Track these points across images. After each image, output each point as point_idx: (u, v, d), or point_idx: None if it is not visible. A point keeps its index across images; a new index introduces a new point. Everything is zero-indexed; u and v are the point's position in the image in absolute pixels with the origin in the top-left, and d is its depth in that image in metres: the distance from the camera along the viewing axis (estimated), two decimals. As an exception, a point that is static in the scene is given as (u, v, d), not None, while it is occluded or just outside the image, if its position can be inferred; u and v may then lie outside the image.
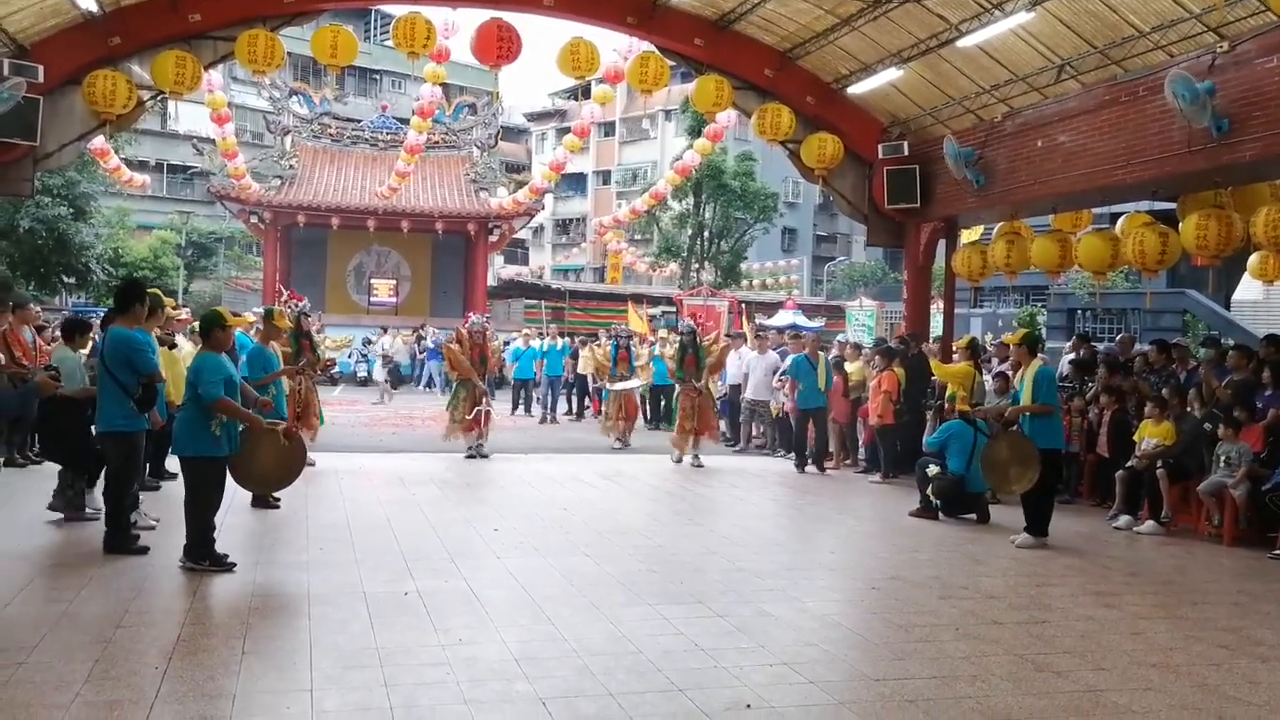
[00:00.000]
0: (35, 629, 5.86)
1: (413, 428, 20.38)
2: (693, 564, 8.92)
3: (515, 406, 24.30)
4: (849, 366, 15.65)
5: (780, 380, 16.82)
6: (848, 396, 15.35)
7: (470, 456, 15.08)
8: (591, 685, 5.66)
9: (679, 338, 16.24)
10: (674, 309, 30.97)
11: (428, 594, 7.41)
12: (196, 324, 9.98)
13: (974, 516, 11.44)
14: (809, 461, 15.25)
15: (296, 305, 13.61)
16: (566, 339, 25.02)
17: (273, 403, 9.18)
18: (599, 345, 20.00)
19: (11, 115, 12.76)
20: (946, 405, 12.98)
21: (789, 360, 15.72)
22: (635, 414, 18.41)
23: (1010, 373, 14.03)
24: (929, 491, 11.61)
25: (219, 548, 8.01)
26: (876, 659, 6.38)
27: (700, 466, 15.16)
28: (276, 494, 10.03)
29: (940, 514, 11.50)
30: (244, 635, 6.33)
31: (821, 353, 15.38)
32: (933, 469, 11.70)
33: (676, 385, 16.14)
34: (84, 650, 5.79)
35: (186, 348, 11.08)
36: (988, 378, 14.04)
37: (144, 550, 8.25)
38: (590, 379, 22.93)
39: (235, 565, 7.91)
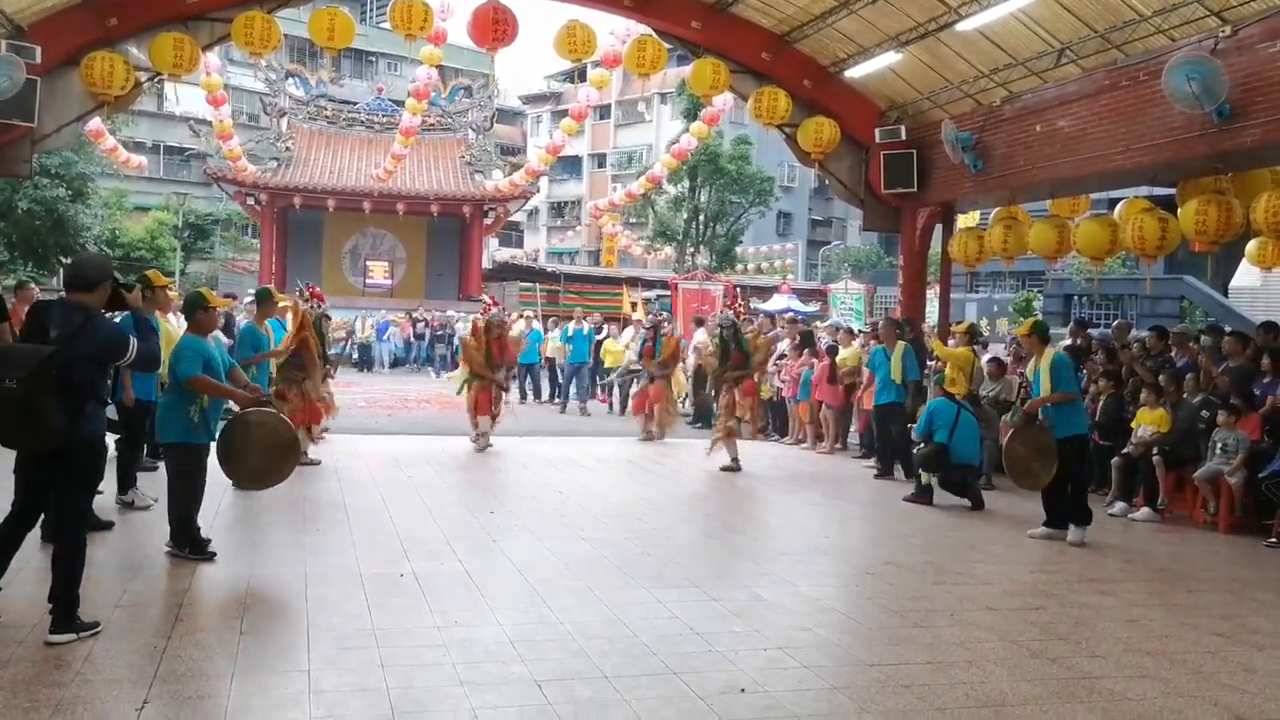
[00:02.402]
0: (34, 609, 5.86)
1: (408, 409, 20.40)
2: (688, 548, 8.95)
3: (524, 395, 22.23)
4: (843, 351, 15.65)
5: (776, 365, 16.85)
6: (832, 381, 15.31)
7: (479, 448, 14.49)
8: (587, 668, 5.67)
9: (719, 330, 14.52)
10: (669, 292, 30.94)
11: (424, 576, 7.42)
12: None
13: (968, 503, 11.43)
14: (889, 468, 13.56)
15: (319, 305, 12.86)
16: (591, 322, 22.42)
17: (261, 389, 9.05)
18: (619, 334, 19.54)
19: (9, 96, 12.70)
20: (935, 388, 12.80)
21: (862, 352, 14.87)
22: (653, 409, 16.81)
23: (1006, 359, 14.12)
24: (918, 465, 11.59)
25: (217, 527, 8.00)
26: (871, 644, 6.39)
27: (738, 470, 13.59)
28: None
29: (933, 490, 11.46)
30: (242, 616, 6.34)
31: (902, 342, 13.56)
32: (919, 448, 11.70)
33: (711, 379, 14.75)
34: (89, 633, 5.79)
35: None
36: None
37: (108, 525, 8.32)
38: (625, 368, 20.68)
39: (215, 555, 7.74)
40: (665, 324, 18.62)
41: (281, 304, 12.44)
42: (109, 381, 6.06)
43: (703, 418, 18.13)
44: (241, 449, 8.00)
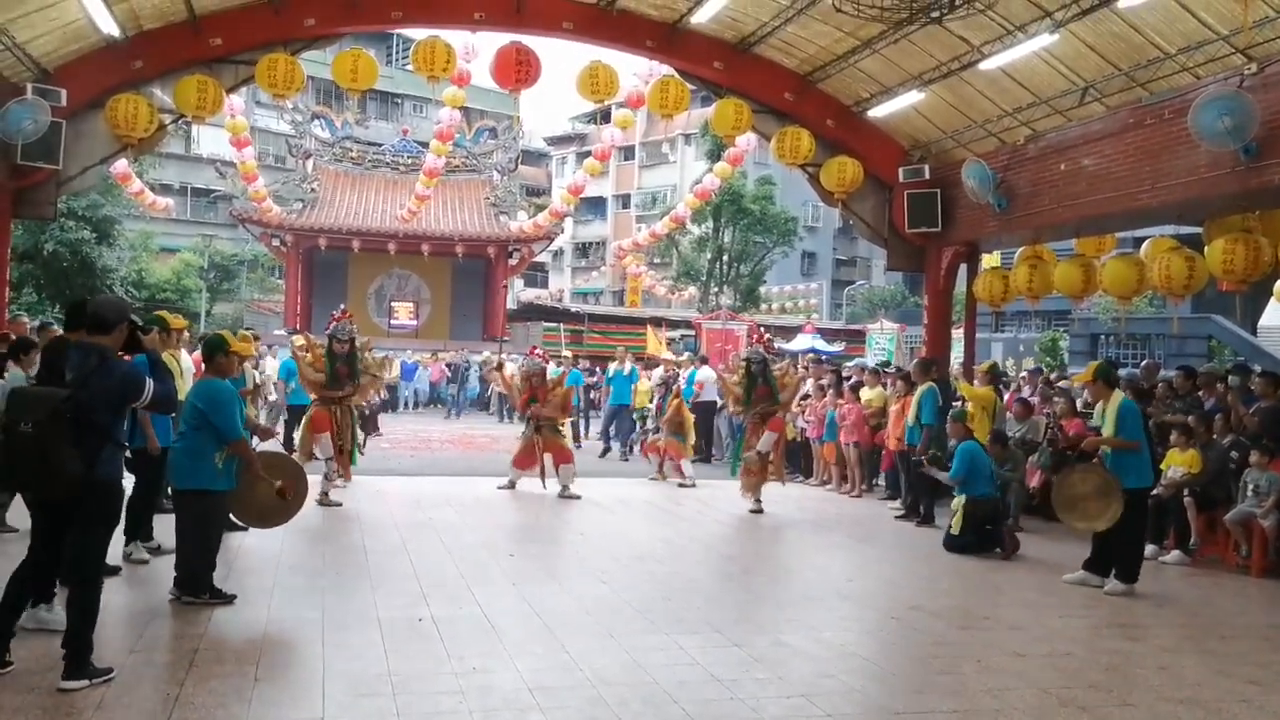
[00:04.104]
0: (47, 655, 5.79)
1: (431, 450, 20.35)
2: (709, 592, 8.84)
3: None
4: (866, 392, 15.53)
5: (801, 405, 16.70)
6: (868, 423, 15.22)
7: (502, 487, 14.54)
8: (606, 716, 5.56)
9: (745, 364, 13.98)
10: (693, 332, 30.88)
11: (442, 621, 7.33)
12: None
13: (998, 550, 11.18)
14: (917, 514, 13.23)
15: (347, 327, 12.89)
16: (636, 363, 21.14)
17: (276, 430, 8.98)
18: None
19: (34, 139, 12.80)
20: (953, 423, 12.47)
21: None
22: (670, 454, 16.63)
23: (1033, 400, 13.97)
24: (961, 520, 11.16)
25: (236, 570, 7.93)
26: (896, 691, 6.26)
27: (761, 513, 13.40)
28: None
29: (966, 544, 11.17)
30: (257, 661, 6.27)
31: (929, 382, 13.40)
32: (959, 498, 11.42)
33: (736, 416, 14.61)
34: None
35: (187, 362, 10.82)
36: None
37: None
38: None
39: (235, 596, 7.68)
40: (677, 379, 18.27)
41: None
42: (125, 425, 5.99)
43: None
44: (250, 488, 7.96)
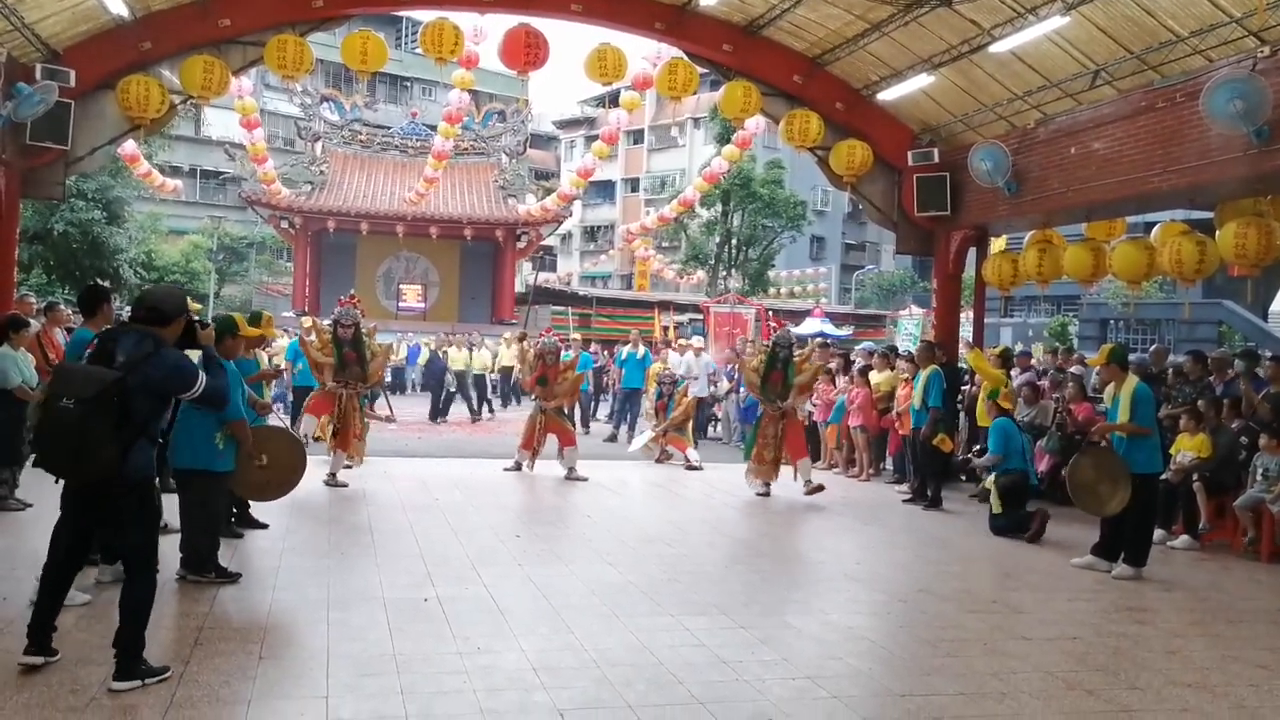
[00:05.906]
0: (60, 639, 5.77)
1: (438, 433, 20.36)
2: (716, 574, 8.82)
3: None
4: (876, 376, 15.48)
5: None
6: (876, 407, 15.17)
7: (508, 469, 14.65)
8: (611, 696, 5.56)
9: (770, 346, 13.81)
10: (701, 316, 30.82)
11: (448, 601, 7.33)
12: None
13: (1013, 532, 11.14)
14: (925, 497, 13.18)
15: (351, 311, 12.86)
16: (647, 346, 20.68)
17: (271, 405, 8.99)
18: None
19: (43, 119, 12.77)
20: (990, 403, 12.36)
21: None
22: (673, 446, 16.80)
23: (1041, 383, 13.92)
24: (993, 487, 11.26)
25: (241, 550, 7.93)
26: (902, 674, 6.25)
27: (820, 489, 13.20)
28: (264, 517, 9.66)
29: (1009, 525, 11.13)
30: (261, 640, 6.28)
31: (933, 365, 13.24)
32: (990, 477, 11.44)
33: (754, 395, 14.45)
34: (100, 654, 5.67)
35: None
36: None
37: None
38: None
39: (240, 575, 7.70)
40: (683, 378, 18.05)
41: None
42: (164, 422, 5.79)
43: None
44: (246, 462, 7.92)
